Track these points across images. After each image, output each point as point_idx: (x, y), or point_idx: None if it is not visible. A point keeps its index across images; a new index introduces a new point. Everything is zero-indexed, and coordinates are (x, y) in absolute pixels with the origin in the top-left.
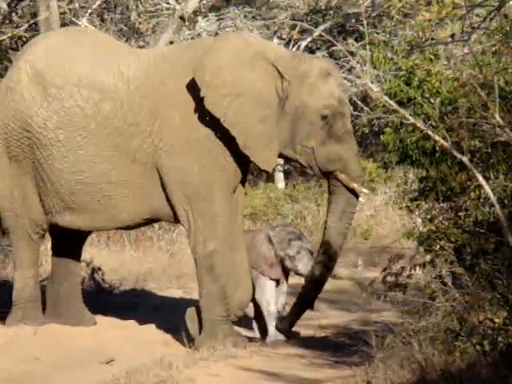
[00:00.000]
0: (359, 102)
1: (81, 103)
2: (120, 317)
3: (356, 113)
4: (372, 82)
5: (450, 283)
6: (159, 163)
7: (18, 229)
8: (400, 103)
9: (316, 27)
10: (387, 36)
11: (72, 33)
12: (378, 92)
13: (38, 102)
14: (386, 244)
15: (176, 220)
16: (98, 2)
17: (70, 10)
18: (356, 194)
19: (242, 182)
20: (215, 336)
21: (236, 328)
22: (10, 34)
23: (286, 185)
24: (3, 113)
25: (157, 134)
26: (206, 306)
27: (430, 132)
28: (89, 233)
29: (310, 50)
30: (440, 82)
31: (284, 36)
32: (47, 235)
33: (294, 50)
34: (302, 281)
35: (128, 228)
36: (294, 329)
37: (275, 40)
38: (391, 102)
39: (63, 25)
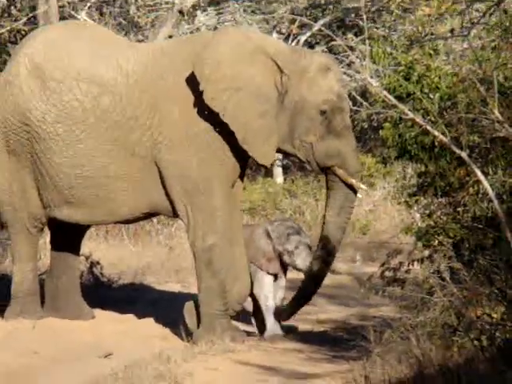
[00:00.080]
0: (358, 97)
1: (80, 97)
2: (118, 311)
3: (355, 108)
4: (371, 77)
5: (448, 278)
6: (158, 157)
7: (17, 223)
8: (399, 98)
9: (315, 22)
10: (387, 31)
11: (71, 26)
12: (378, 87)
13: (37, 96)
14: (385, 239)
15: (175, 214)
16: None
17: (68, 3)
18: (354, 190)
19: (241, 177)
20: (213, 330)
21: (234, 322)
22: (8, 28)
23: (285, 180)
24: (2, 106)
25: (156, 127)
26: (205, 300)
27: (429, 127)
28: (88, 227)
29: (310, 45)
30: (439, 77)
31: (283, 30)
32: (46, 229)
33: (293, 44)
34: (300, 275)
35: (127, 222)
36: (292, 323)
37: (274, 34)
38: (390, 97)
39: (62, 18)
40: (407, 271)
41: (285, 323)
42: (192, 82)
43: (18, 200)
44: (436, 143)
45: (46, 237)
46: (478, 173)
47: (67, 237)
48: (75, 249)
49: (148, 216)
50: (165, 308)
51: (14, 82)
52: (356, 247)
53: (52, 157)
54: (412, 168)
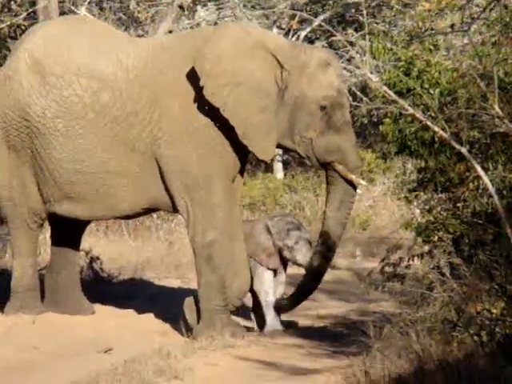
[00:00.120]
0: (358, 93)
1: (79, 92)
2: (118, 306)
3: (355, 103)
4: (371, 73)
5: (447, 274)
6: (158, 153)
7: (17, 218)
8: (399, 94)
9: (315, 17)
10: (387, 26)
11: (71, 21)
12: (378, 82)
13: (37, 91)
14: (385, 234)
15: (175, 210)
16: None
17: None
18: (354, 185)
19: (241, 172)
20: (213, 326)
21: (234, 318)
22: (8, 23)
23: (285, 175)
24: (2, 102)
25: (156, 123)
26: (205, 295)
27: (429, 123)
28: (88, 222)
29: (310, 40)
30: (439, 73)
31: (283, 26)
32: (46, 224)
33: (293, 39)
34: (300, 271)
35: (127, 217)
36: (292, 318)
37: (274, 30)
38: (390, 93)
39: (62, 13)
40: (407, 267)
41: (285, 319)
42: (192, 77)
43: (17, 195)
44: (436, 139)
45: (46, 232)
46: (478, 168)
47: (67, 232)
48: (75, 244)
49: (148, 211)
50: (164, 303)
51: (13, 77)
52: (356, 242)
53: (52, 152)
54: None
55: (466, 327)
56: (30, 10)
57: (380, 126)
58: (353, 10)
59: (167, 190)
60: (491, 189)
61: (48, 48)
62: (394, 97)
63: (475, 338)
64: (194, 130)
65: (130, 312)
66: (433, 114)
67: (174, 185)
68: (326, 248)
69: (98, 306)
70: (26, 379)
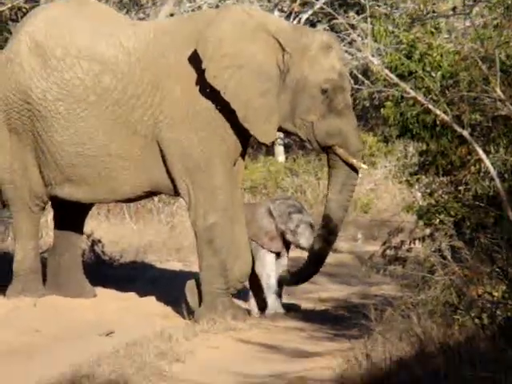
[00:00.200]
0: (360, 76)
1: (81, 75)
2: (120, 289)
3: (357, 86)
4: (373, 56)
5: (449, 257)
6: (160, 136)
7: (18, 201)
8: (401, 77)
9: (317, 0)
10: (388, 9)
11: (72, 4)
12: (379, 65)
13: (38, 74)
14: (386, 218)
15: (176, 193)
16: None
17: None
18: (355, 169)
19: (242, 155)
20: (215, 309)
21: (235, 301)
22: (9, 5)
23: (286, 158)
24: (3, 85)
25: (157, 106)
26: (206, 278)
27: (430, 106)
28: (91, 205)
29: (311, 23)
30: (441, 56)
31: (285, 9)
32: (47, 207)
33: (294, 22)
34: (303, 254)
35: (128, 201)
36: (294, 301)
37: (276, 13)
38: (392, 76)
39: None
40: (408, 250)
41: (286, 301)
42: (194, 60)
43: (19, 178)
44: (437, 122)
45: (48, 215)
46: (480, 151)
47: (70, 215)
48: (78, 227)
49: (149, 195)
50: (166, 286)
51: (15, 59)
52: (357, 226)
53: (53, 135)
54: (413, 147)
55: (467, 310)
56: None
57: (381, 109)
58: None
59: (169, 173)
60: (493, 172)
61: (49, 31)
62: (396, 80)
63: (476, 320)
64: (196, 113)
65: (132, 295)
66: (434, 97)
67: (175, 168)
68: (328, 231)
69: (99, 289)
70: (27, 362)
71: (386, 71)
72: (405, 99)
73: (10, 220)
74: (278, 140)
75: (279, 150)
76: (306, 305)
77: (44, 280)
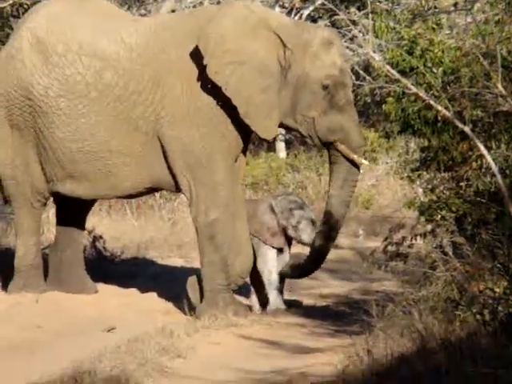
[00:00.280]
0: (361, 72)
1: (82, 71)
2: (121, 285)
3: (358, 82)
4: (374, 52)
5: (450, 253)
6: (161, 132)
7: (20, 196)
8: (402, 73)
9: None
10: (390, 5)
11: (74, 0)
12: (380, 61)
13: (40, 70)
14: (387, 214)
15: (177, 189)
16: None
17: None
18: (357, 165)
19: (244, 151)
20: (216, 304)
21: (237, 297)
22: (11, 1)
23: (288, 154)
24: (5, 81)
25: (158, 102)
26: (207, 274)
27: (432, 102)
28: (94, 201)
29: (313, 19)
30: (442, 52)
31: (286, 4)
32: (49, 203)
33: (296, 18)
34: (305, 250)
35: (129, 197)
36: (296, 298)
37: (277, 8)
38: (393, 72)
39: None
40: (410, 246)
41: (289, 298)
42: (195, 56)
43: (20, 174)
44: (439, 117)
45: (49, 211)
46: (481, 147)
47: (73, 211)
48: (80, 223)
49: (151, 191)
50: (167, 282)
51: (16, 56)
52: (359, 222)
53: (54, 131)
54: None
55: (469, 306)
56: None
57: (383, 105)
58: None
59: (170, 169)
60: (494, 168)
61: (51, 27)
62: (397, 76)
63: (478, 316)
64: (197, 110)
65: (133, 291)
66: (436, 93)
67: (176, 164)
68: (329, 227)
69: (101, 285)
70: (29, 358)
71: (388, 67)
72: (406, 95)
73: (12, 216)
74: (280, 136)
75: (280, 146)
76: (307, 301)
77: (45, 276)
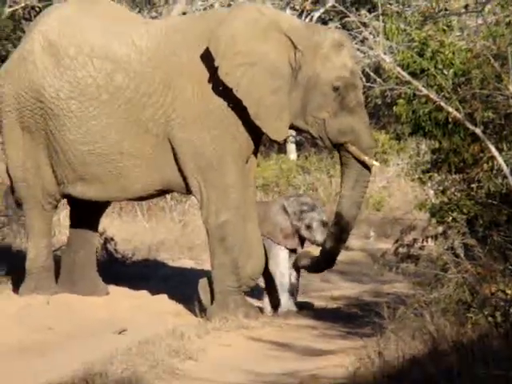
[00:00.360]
0: (372, 74)
1: (93, 73)
2: (132, 287)
3: (369, 84)
4: (385, 54)
5: (462, 255)
6: (171, 134)
7: (31, 199)
8: (413, 74)
9: None
10: (400, 7)
11: (85, 3)
12: (391, 63)
13: (51, 73)
14: (398, 215)
15: (188, 191)
16: None
17: None
18: (368, 166)
19: (255, 153)
20: (227, 307)
21: (248, 299)
22: (23, 4)
23: (298, 156)
24: (16, 83)
25: (169, 105)
26: (218, 276)
27: (442, 103)
28: (108, 203)
29: (323, 21)
30: (453, 53)
31: (297, 7)
32: (60, 205)
33: (306, 20)
34: (317, 251)
35: (140, 199)
36: (307, 300)
37: (288, 11)
38: (404, 74)
39: None
40: (421, 248)
41: (300, 300)
42: (206, 58)
43: (32, 176)
44: (450, 119)
45: (61, 213)
46: (493, 149)
47: (86, 212)
48: (93, 225)
49: (161, 193)
50: (178, 284)
51: (28, 58)
52: (370, 223)
53: (65, 133)
54: (426, 144)
55: (481, 308)
56: None
57: (394, 107)
58: None
59: (180, 171)
60: (505, 169)
61: (62, 29)
62: (408, 78)
63: (489, 318)
64: (208, 112)
65: (144, 293)
66: (447, 95)
67: (187, 166)
68: (340, 229)
69: (112, 287)
70: (40, 360)
71: (398, 69)
72: (417, 97)
73: (23, 218)
74: (290, 138)
75: (291, 147)
76: (318, 303)
77: (57, 277)
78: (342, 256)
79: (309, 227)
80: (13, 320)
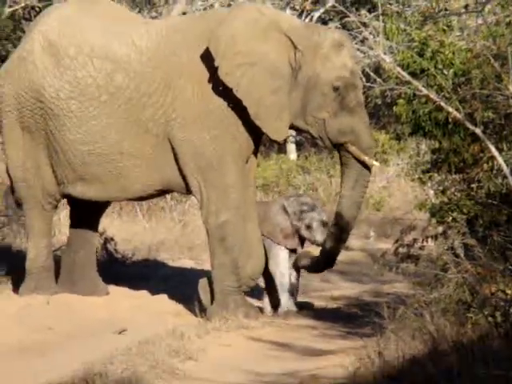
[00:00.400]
0: (372, 74)
1: (93, 73)
2: (132, 287)
3: (369, 84)
4: (385, 54)
5: (462, 255)
6: (171, 134)
7: (31, 199)
8: (413, 74)
9: None
10: (400, 7)
11: (85, 3)
12: (391, 63)
13: (51, 73)
14: (398, 215)
15: (188, 191)
16: None
17: None
18: (368, 166)
19: (255, 153)
20: (227, 307)
21: (248, 299)
22: (23, 4)
23: (298, 156)
24: (16, 83)
25: (169, 105)
26: (218, 276)
27: (442, 103)
28: (108, 203)
29: (323, 21)
30: (453, 53)
31: (297, 7)
32: (60, 205)
33: (306, 20)
34: (316, 251)
35: (140, 199)
36: (307, 300)
37: (288, 11)
38: (404, 74)
39: None
40: (421, 248)
41: (300, 300)
42: (206, 58)
43: (32, 176)
44: (450, 119)
45: (61, 213)
46: (493, 149)
47: (86, 212)
48: (94, 225)
49: (161, 193)
50: (178, 284)
51: (28, 58)
52: (370, 223)
53: (65, 133)
54: (426, 144)
55: (481, 308)
56: None
57: (394, 107)
58: None
59: (180, 171)
60: (505, 169)
61: (62, 30)
62: (408, 78)
63: (489, 319)
64: (208, 112)
65: (144, 293)
66: (447, 95)
67: (187, 166)
68: (340, 229)
69: (112, 287)
70: (40, 360)
71: (398, 69)
72: (417, 97)
73: (24, 218)
74: (290, 138)
75: (291, 147)
76: (318, 303)
77: (56, 278)
78: (342, 256)
79: (309, 227)
80: (13, 320)
